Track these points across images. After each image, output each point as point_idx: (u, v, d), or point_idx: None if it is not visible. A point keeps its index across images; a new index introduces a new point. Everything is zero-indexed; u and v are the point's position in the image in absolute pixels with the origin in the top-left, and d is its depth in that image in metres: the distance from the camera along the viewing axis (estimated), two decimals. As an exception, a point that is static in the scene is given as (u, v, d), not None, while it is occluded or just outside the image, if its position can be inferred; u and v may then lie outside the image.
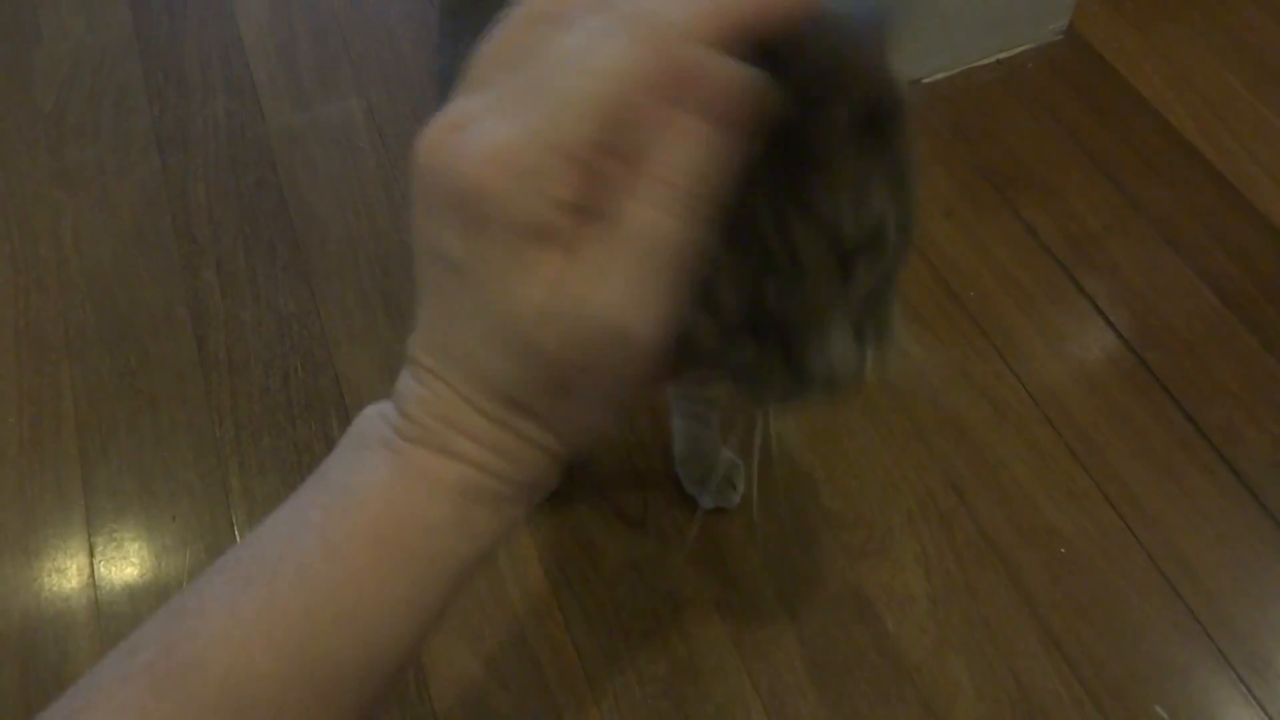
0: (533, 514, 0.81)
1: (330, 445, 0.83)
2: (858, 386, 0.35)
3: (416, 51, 1.13)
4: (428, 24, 1.16)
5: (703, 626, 0.76)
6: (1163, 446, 0.85)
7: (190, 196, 1.01)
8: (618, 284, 0.26)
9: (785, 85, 0.29)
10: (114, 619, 0.78)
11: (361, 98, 1.09)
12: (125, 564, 0.80)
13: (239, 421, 0.87)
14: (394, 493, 0.30)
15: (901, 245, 0.34)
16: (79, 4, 1.19)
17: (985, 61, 1.13)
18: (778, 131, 0.29)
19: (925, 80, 1.11)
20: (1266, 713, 0.72)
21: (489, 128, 0.25)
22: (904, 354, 0.37)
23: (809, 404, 0.34)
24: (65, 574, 0.80)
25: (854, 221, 0.32)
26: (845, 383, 0.34)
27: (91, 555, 0.81)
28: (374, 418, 0.32)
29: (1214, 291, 0.94)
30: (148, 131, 1.07)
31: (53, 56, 1.14)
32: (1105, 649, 0.75)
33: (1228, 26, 1.15)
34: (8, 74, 1.12)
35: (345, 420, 0.85)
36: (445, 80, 0.55)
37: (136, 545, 0.81)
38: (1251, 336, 0.91)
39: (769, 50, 0.28)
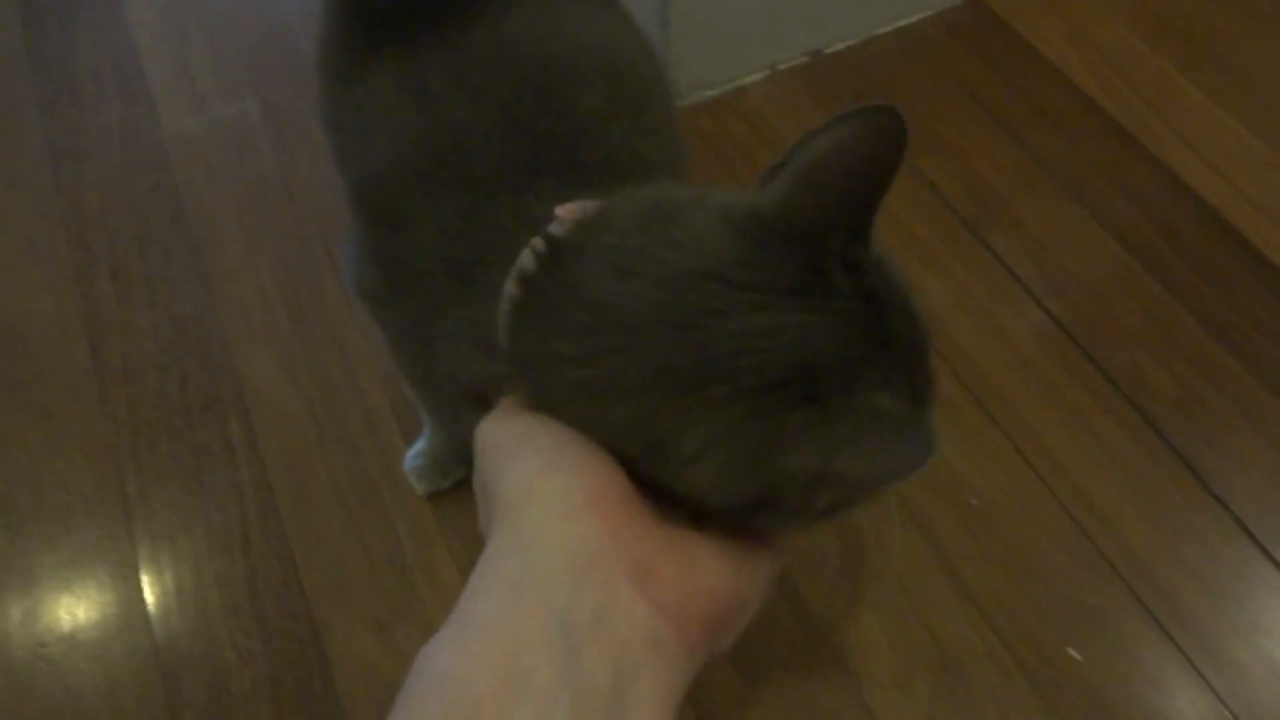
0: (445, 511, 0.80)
1: (229, 446, 0.82)
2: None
3: (310, 44, 1.11)
4: (326, 22, 1.14)
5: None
6: (1070, 394, 0.85)
7: (84, 206, 0.99)
8: None
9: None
10: (6, 637, 0.75)
11: (258, 98, 1.07)
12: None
13: (136, 429, 0.85)
14: None
15: None
16: (-34, 19, 1.17)
17: (886, 30, 1.13)
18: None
19: (828, 51, 1.11)
20: (1179, 647, 0.72)
21: None
22: None
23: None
24: (-44, 594, 0.77)
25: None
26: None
27: (-16, 573, 0.78)
28: None
29: (1117, 240, 0.94)
30: (39, 144, 1.04)
31: (-61, 73, 1.11)
32: (1018, 596, 0.75)
33: (1123, -17, 1.16)
34: (-107, 93, 1.10)
35: (245, 421, 0.84)
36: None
37: (31, 561, 0.79)
38: (1155, 281, 0.91)
39: None
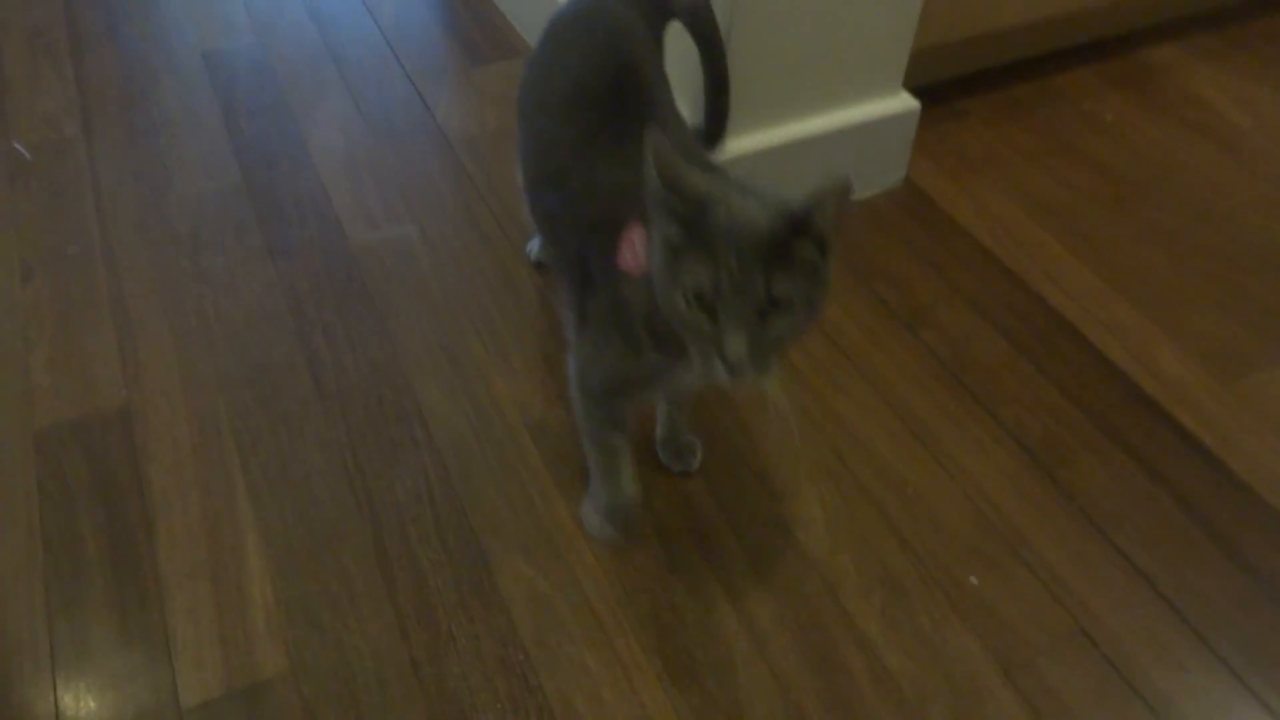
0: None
1: (414, 440, 1.23)
2: (744, 381, 0.76)
3: (450, 189, 1.59)
4: (460, 171, 1.62)
5: (679, 544, 1.15)
6: (974, 431, 1.28)
7: (298, 287, 1.42)
8: None
9: (787, 219, 0.74)
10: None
11: (416, 224, 1.53)
12: (276, 519, 1.16)
13: (349, 428, 1.25)
14: None
15: (806, 320, 0.78)
16: (198, 162, 1.63)
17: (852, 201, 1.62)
18: (774, 239, 0.74)
19: (810, 212, 1.59)
20: (1042, 581, 1.13)
21: None
22: (773, 380, 0.81)
23: (724, 382, 0.78)
24: (235, 526, 1.15)
25: (782, 290, 0.74)
26: (736, 371, 0.75)
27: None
28: None
29: (1004, 337, 1.40)
30: (261, 247, 1.49)
31: (183, 198, 1.56)
32: (938, 546, 1.15)
33: (1012, 177, 1.68)
34: (152, 210, 1.54)
35: (424, 425, 1.25)
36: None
37: (283, 507, 1.17)
38: (1029, 364, 1.37)
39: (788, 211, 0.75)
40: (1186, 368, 1.37)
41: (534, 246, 1.47)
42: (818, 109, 1.50)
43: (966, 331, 1.41)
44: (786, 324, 0.76)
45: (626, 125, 0.96)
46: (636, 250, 0.84)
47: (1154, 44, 1.99)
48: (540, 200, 1.08)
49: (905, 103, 1.57)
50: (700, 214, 0.74)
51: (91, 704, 1.00)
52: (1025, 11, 1.71)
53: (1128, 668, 1.05)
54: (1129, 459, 1.26)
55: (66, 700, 1.00)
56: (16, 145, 1.66)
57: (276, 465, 1.21)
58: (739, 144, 1.45)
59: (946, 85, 1.82)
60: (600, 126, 0.99)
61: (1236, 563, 1.15)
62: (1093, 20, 1.90)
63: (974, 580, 1.13)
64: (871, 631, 1.08)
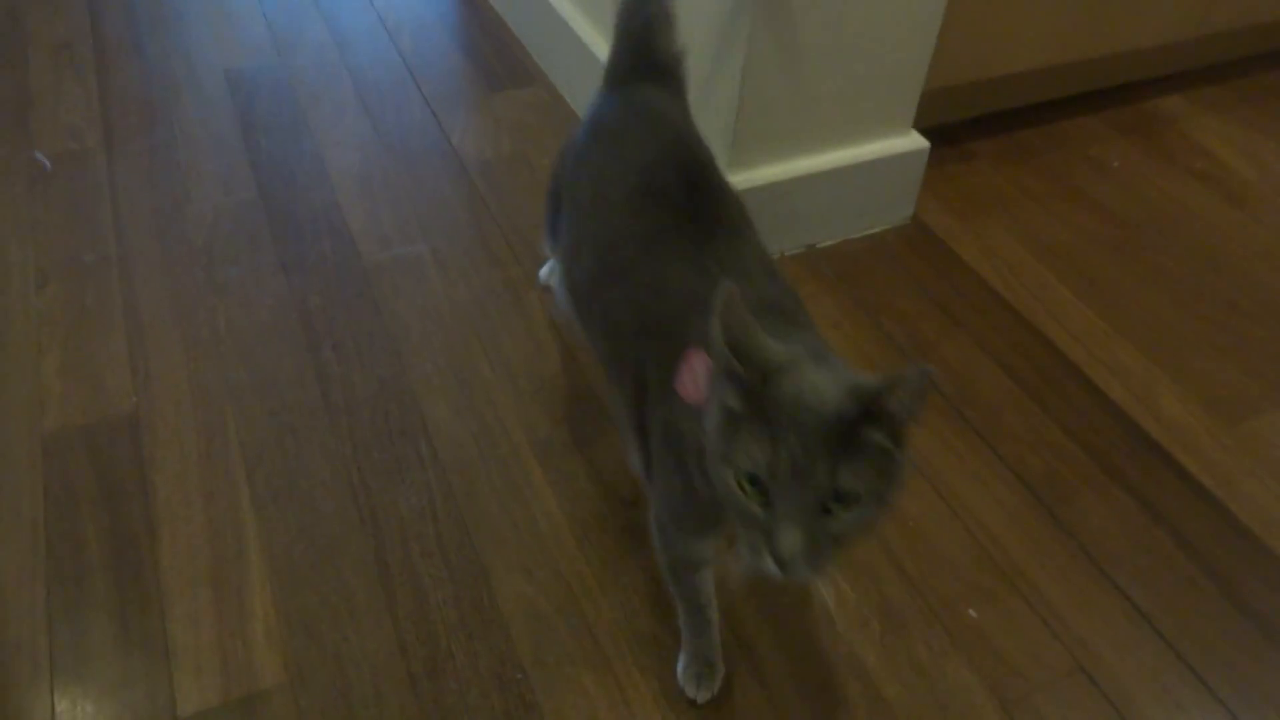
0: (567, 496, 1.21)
1: (420, 457, 1.23)
2: (796, 580, 0.73)
3: (463, 212, 1.60)
4: (473, 194, 1.64)
5: (678, 565, 1.15)
6: (975, 466, 1.29)
7: (310, 302, 1.44)
8: None
9: (859, 399, 0.63)
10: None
11: (428, 243, 1.55)
12: (279, 530, 1.16)
13: (355, 442, 1.26)
14: None
15: (874, 517, 0.67)
16: (216, 177, 1.65)
17: (860, 235, 1.64)
18: (843, 422, 0.63)
19: (820, 245, 1.61)
20: (1040, 616, 1.13)
21: None
22: (823, 577, 0.76)
23: (773, 577, 0.66)
24: (238, 535, 1.15)
25: (848, 482, 0.63)
26: (787, 569, 0.65)
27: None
28: None
29: (1006, 374, 1.41)
30: (274, 261, 1.50)
31: (200, 211, 1.58)
32: (938, 579, 1.16)
33: (1019, 218, 1.70)
34: (168, 222, 1.56)
35: (429, 442, 1.25)
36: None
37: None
38: (1031, 401, 1.38)
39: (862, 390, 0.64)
40: (1188, 411, 1.38)
41: (545, 271, 1.49)
42: (830, 145, 1.52)
43: (970, 367, 1.42)
44: (850, 521, 0.65)
45: (701, 226, 0.92)
46: (697, 379, 0.75)
47: (1161, 94, 2.02)
48: (595, 299, 0.98)
49: (915, 142, 1.60)
50: (764, 384, 0.65)
51: (88, 709, 1.00)
52: (1035, 58, 1.74)
53: (1125, 706, 1.05)
54: (1130, 499, 1.26)
55: (63, 705, 1.00)
56: (37, 154, 1.68)
57: (282, 477, 1.22)
58: (753, 176, 1.47)
59: (956, 127, 1.84)
60: (672, 223, 0.93)
61: (1236, 605, 1.15)
62: (1101, 68, 1.94)
63: (973, 613, 1.13)
64: (869, 661, 1.08)
